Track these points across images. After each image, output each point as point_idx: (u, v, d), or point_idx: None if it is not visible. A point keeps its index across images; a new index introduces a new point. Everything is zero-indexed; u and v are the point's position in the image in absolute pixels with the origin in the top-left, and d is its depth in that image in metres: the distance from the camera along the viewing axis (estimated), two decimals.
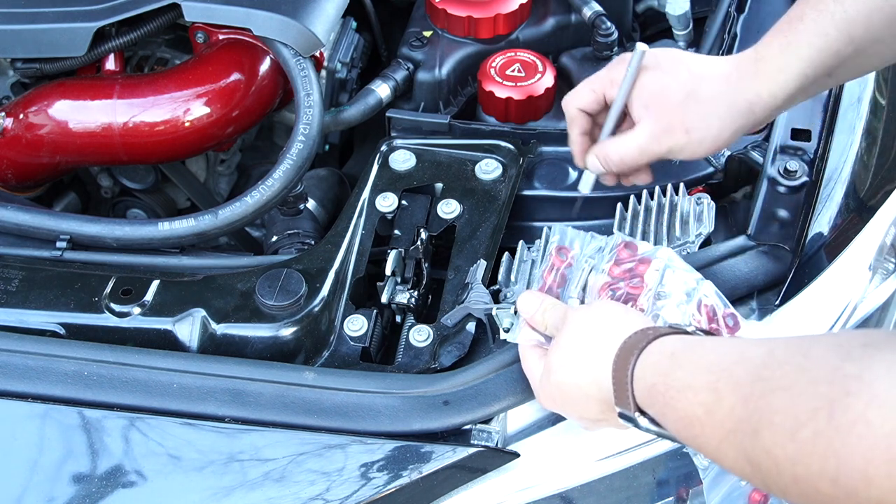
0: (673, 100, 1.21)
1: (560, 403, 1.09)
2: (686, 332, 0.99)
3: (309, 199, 1.52)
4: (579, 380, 1.04)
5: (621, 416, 1.00)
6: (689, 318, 1.10)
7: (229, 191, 1.75)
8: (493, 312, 1.25)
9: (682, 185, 1.37)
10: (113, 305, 1.28)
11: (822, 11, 1.17)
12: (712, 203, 1.32)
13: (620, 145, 1.25)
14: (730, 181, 1.45)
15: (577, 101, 1.29)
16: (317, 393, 1.17)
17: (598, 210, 1.43)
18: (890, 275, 1.35)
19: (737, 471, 0.86)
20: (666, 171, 1.42)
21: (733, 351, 0.90)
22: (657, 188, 1.38)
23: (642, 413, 0.97)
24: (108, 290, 1.30)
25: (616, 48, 1.59)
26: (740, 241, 1.27)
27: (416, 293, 1.33)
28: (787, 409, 0.80)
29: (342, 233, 1.37)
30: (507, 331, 1.25)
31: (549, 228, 1.36)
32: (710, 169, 1.46)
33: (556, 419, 1.20)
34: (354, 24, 1.68)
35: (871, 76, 1.47)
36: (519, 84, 1.51)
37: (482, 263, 1.32)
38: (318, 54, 1.55)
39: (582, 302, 1.17)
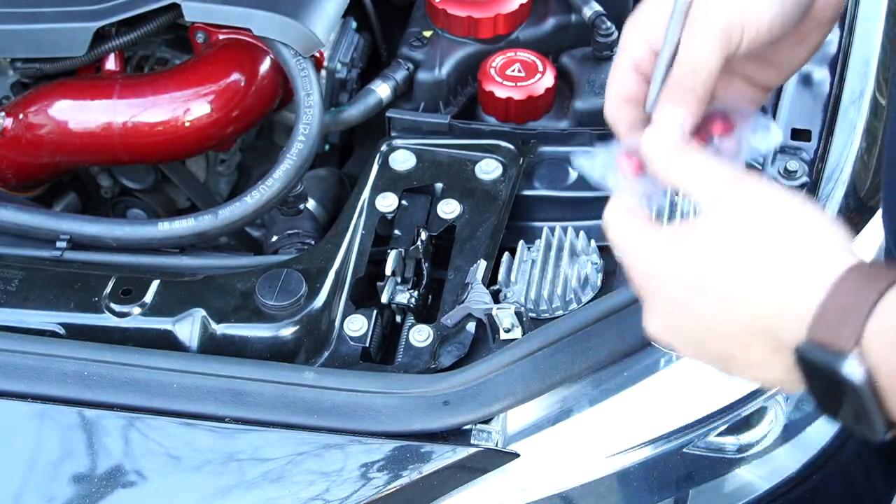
0: None
1: (693, 330, 0.76)
2: None
3: (309, 199, 1.52)
4: (755, 297, 0.72)
5: (802, 356, 0.70)
6: None
7: (229, 191, 1.75)
8: (493, 312, 1.25)
9: None
10: (113, 305, 1.28)
11: None
12: None
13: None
14: None
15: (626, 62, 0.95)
16: (317, 393, 1.17)
17: (598, 210, 1.43)
18: None
19: None
20: None
21: None
22: None
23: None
24: (108, 290, 1.30)
25: (616, 48, 1.58)
26: None
27: (416, 293, 1.33)
28: None
29: (342, 233, 1.37)
30: (507, 331, 1.25)
31: (549, 229, 1.36)
32: None
33: (556, 419, 1.20)
34: (354, 24, 1.68)
35: (871, 76, 1.47)
36: (519, 84, 1.51)
37: (482, 263, 1.32)
38: (318, 54, 1.55)
39: None
